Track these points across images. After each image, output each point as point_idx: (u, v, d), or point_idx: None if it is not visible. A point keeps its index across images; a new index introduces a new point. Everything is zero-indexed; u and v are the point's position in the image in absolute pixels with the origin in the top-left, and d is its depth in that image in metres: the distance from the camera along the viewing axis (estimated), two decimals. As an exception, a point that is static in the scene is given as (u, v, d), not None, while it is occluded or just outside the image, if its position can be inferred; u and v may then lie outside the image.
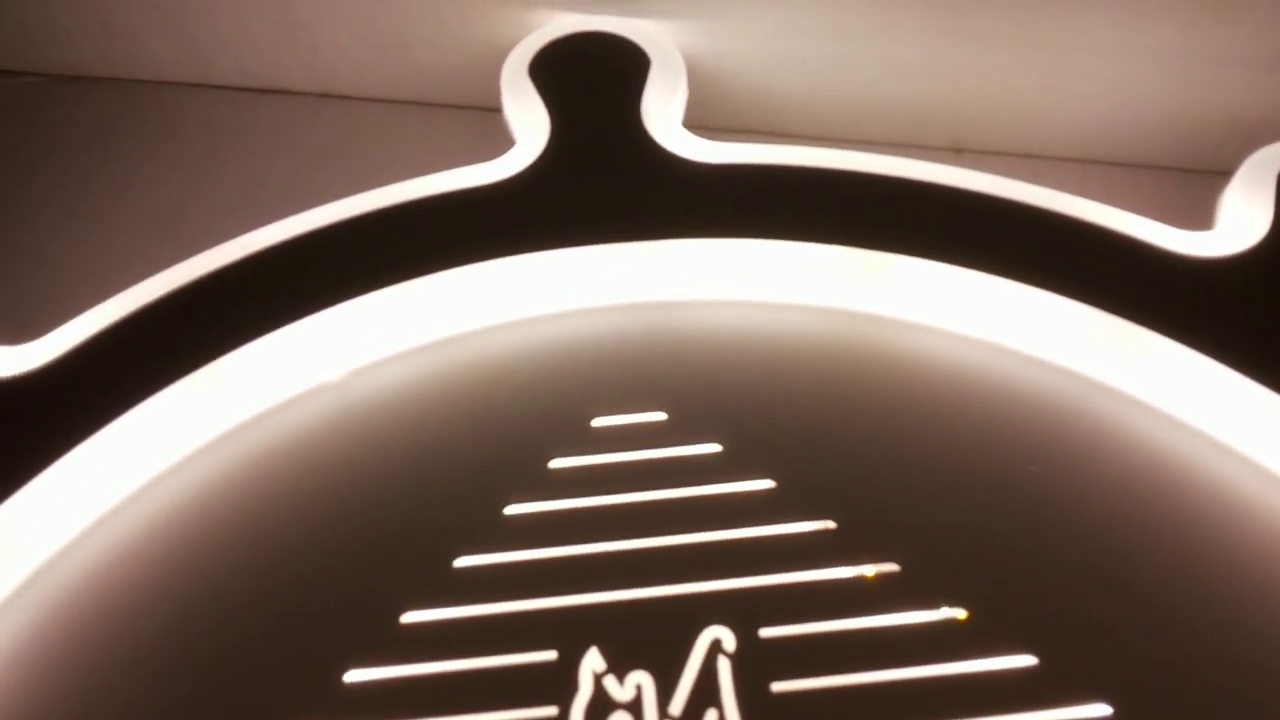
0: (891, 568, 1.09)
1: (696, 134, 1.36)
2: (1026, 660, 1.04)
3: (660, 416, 1.20)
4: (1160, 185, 1.58)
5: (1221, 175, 1.34)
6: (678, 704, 1.03)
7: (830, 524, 1.12)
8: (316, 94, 1.74)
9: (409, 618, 1.09)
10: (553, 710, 1.03)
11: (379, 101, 1.74)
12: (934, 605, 1.07)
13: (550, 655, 1.06)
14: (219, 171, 1.68)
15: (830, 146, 1.34)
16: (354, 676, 1.06)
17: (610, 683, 1.04)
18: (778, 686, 1.03)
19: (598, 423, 1.20)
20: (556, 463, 1.17)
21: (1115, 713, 1.01)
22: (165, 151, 1.71)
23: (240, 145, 1.71)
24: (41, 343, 1.22)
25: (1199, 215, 1.31)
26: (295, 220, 1.27)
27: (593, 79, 1.41)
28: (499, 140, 1.67)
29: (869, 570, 1.10)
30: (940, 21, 1.45)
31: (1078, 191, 1.29)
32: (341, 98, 1.74)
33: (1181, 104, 1.52)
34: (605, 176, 1.31)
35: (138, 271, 1.33)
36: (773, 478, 1.15)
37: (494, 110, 1.69)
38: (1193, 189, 1.53)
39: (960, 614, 1.07)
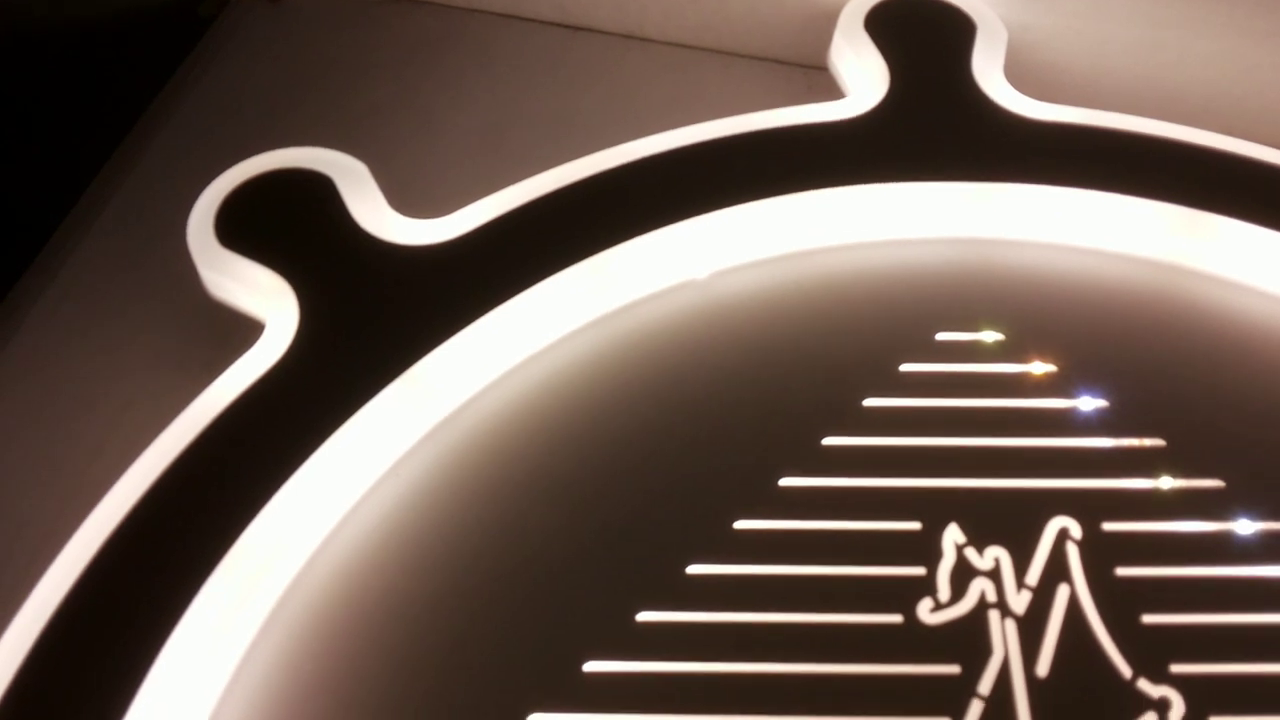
0: (1217, 483, 1.23)
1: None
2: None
3: (998, 337, 1.34)
4: None
5: None
6: (1032, 577, 1.17)
7: (1160, 441, 1.26)
8: (621, 34, 1.89)
9: (786, 482, 1.24)
10: (921, 570, 1.18)
11: (679, 46, 1.88)
12: (1259, 517, 1.21)
13: (914, 525, 1.21)
14: (530, 99, 1.81)
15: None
16: (741, 525, 1.21)
17: (970, 553, 1.19)
18: (1122, 571, 1.17)
19: (941, 337, 1.34)
20: (906, 367, 1.32)
21: None
22: (478, 76, 1.84)
23: (550, 77, 1.84)
24: (448, 219, 1.38)
25: None
26: (674, 134, 1.42)
27: (924, 38, 1.55)
28: (793, 91, 1.83)
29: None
30: (1242, 19, 1.58)
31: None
32: (645, 40, 1.89)
33: None
34: (949, 124, 1.45)
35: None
36: (1105, 398, 1.29)
37: (788, 64, 1.86)
38: None
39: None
